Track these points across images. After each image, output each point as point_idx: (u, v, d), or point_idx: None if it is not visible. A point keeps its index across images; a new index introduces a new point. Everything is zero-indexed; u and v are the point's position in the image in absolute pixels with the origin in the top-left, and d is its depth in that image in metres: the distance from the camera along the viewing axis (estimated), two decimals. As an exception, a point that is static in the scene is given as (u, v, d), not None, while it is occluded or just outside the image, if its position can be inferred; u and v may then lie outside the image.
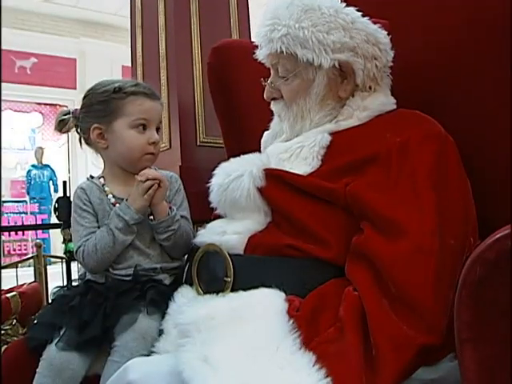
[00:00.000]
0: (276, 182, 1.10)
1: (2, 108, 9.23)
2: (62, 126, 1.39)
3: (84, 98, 1.37)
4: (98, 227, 1.31)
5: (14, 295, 2.09)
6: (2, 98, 8.95)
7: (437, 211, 0.94)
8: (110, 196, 1.34)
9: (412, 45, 1.25)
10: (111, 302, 1.19)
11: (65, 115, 1.39)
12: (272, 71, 1.25)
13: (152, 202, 1.28)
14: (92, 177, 1.42)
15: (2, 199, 9.04)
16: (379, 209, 0.96)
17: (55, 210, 2.86)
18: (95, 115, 1.33)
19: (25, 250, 8.67)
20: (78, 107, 1.40)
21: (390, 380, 0.80)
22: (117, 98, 1.31)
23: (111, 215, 1.28)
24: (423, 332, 0.83)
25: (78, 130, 1.39)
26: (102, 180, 1.38)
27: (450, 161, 1.03)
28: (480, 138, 1.15)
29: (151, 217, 1.31)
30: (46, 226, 6.27)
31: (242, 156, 1.22)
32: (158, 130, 1.37)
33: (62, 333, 1.18)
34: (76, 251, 1.30)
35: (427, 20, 1.27)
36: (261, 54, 1.26)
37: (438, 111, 1.14)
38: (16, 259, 8.38)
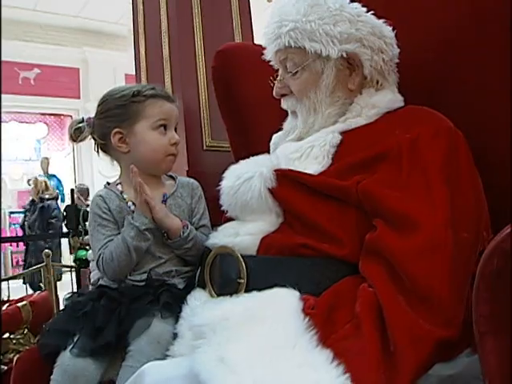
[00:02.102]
0: (287, 182, 1.10)
1: (7, 120, 9.29)
2: (77, 135, 1.39)
3: (100, 104, 1.37)
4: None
5: (25, 304, 2.10)
6: (7, 110, 9.02)
7: (449, 205, 0.94)
8: (130, 203, 1.33)
9: (415, 42, 1.25)
10: (125, 307, 1.19)
11: (79, 123, 1.39)
12: (280, 69, 1.26)
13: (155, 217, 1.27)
14: (109, 183, 1.42)
15: (10, 210, 9.08)
16: (391, 205, 0.96)
17: (63, 218, 2.87)
18: (115, 120, 1.33)
19: (33, 260, 8.69)
20: (86, 116, 1.40)
21: (409, 374, 0.79)
22: (136, 101, 1.32)
23: (125, 224, 1.27)
24: (440, 325, 0.83)
25: (95, 137, 1.39)
26: (119, 187, 1.38)
27: (460, 156, 1.02)
28: (487, 132, 1.15)
29: (165, 235, 1.31)
30: (54, 235, 6.28)
31: (251, 158, 1.21)
32: (175, 131, 1.38)
33: (75, 339, 1.17)
34: (97, 260, 1.30)
35: (430, 17, 1.27)
36: (269, 52, 1.27)
37: (444, 108, 1.14)
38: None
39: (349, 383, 0.77)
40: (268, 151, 1.37)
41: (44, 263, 3.44)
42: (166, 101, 1.34)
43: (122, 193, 1.36)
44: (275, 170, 1.12)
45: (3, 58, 8.56)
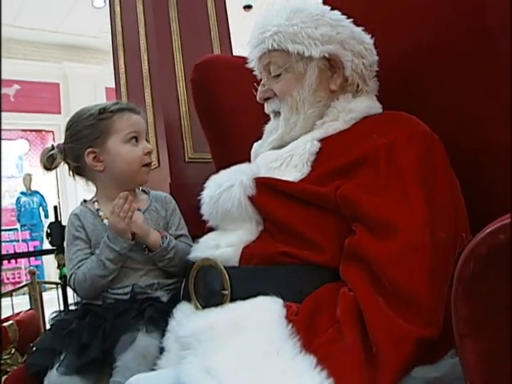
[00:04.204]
0: (267, 190, 1.11)
1: (-12, 137, 9.20)
2: (50, 162, 1.39)
3: (68, 128, 1.38)
4: (92, 253, 1.32)
5: (11, 324, 2.09)
6: (-13, 127, 8.94)
7: (426, 207, 0.95)
8: (106, 221, 1.33)
9: (391, 48, 1.27)
10: (110, 324, 1.19)
11: (50, 151, 1.39)
12: (263, 74, 1.28)
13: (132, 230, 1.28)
14: (85, 201, 1.42)
15: (-7, 228, 8.99)
16: (369, 210, 0.97)
17: (48, 235, 2.86)
18: (86, 140, 1.34)
19: (18, 278, 8.60)
20: (55, 142, 1.41)
21: (392, 375, 0.80)
22: (104, 118, 1.33)
23: (101, 246, 1.28)
24: (420, 325, 0.84)
25: (68, 161, 1.39)
26: (95, 204, 1.38)
27: (436, 158, 1.04)
28: (465, 135, 1.17)
29: (146, 249, 1.32)
30: (39, 253, 6.23)
31: (231, 167, 1.23)
32: (146, 142, 1.40)
33: (62, 357, 1.17)
34: (69, 279, 1.31)
35: (406, 21, 1.29)
36: (252, 59, 1.29)
37: (421, 111, 1.16)
38: (10, 288, 8.35)
39: None
40: (249, 161, 1.38)
41: (29, 281, 3.41)
42: (132, 113, 1.36)
43: (98, 210, 1.36)
44: (255, 178, 1.13)
45: (-18, 76, 8.51)
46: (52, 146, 1.41)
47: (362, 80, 1.23)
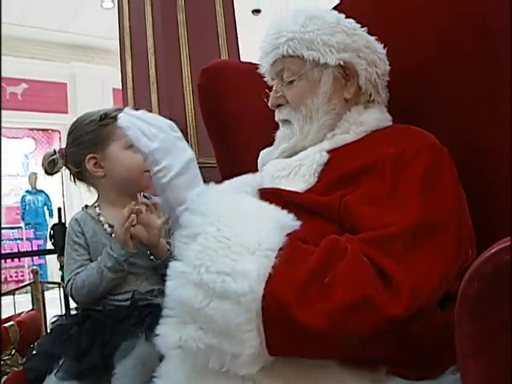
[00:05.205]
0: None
1: (-5, 135, 9.24)
2: (52, 167, 1.40)
3: (70, 133, 1.39)
4: (90, 260, 1.32)
5: (12, 325, 2.08)
6: (-6, 125, 8.98)
7: (421, 212, 0.92)
8: (106, 226, 1.34)
9: (391, 46, 1.26)
10: (109, 330, 1.19)
11: (52, 156, 1.40)
12: (276, 80, 1.26)
13: (134, 236, 1.28)
14: (87, 206, 1.42)
15: (-4, 226, 9.02)
16: (367, 222, 0.95)
17: (51, 237, 2.86)
18: (87, 146, 1.35)
19: (21, 276, 8.63)
20: (57, 147, 1.41)
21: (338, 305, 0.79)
22: (105, 124, 1.33)
23: (102, 253, 1.28)
24: (387, 301, 0.80)
25: (69, 166, 1.40)
26: (97, 209, 1.39)
27: (442, 170, 1.02)
28: (465, 134, 1.17)
29: (152, 257, 1.32)
30: (42, 252, 6.24)
31: (235, 178, 1.22)
32: None
33: (61, 362, 1.17)
34: (66, 284, 1.31)
35: (405, 20, 1.30)
36: (265, 64, 1.28)
37: (421, 111, 1.19)
38: (13, 286, 8.35)
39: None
40: (254, 168, 1.38)
41: (32, 280, 3.41)
42: None
43: (99, 215, 1.36)
44: (259, 189, 1.12)
45: (-10, 74, 8.55)
46: (54, 150, 1.41)
47: (375, 89, 1.22)
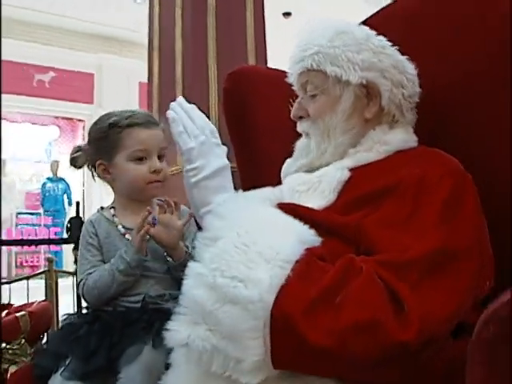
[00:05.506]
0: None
1: (20, 120, 9.36)
2: (74, 163, 1.42)
3: (89, 132, 1.40)
4: (103, 261, 1.33)
5: (24, 315, 2.10)
6: (21, 110, 9.10)
7: (441, 242, 0.90)
8: (120, 227, 1.35)
9: (421, 68, 1.24)
10: (117, 333, 1.19)
11: (76, 152, 1.41)
12: (300, 92, 1.25)
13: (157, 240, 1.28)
14: (102, 208, 1.43)
15: (17, 211, 9.12)
16: (384, 245, 0.92)
17: (67, 229, 2.88)
18: (98, 151, 1.36)
19: (37, 262, 8.74)
20: (83, 143, 1.43)
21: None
22: (113, 132, 1.32)
23: (116, 256, 1.28)
24: (397, 328, 0.78)
25: (89, 166, 1.41)
26: (112, 211, 1.40)
27: (465, 198, 1.00)
28: (493, 173, 1.14)
29: (169, 258, 1.31)
30: (57, 241, 6.30)
31: (253, 191, 1.20)
32: (161, 156, 1.36)
33: (67, 362, 1.17)
34: (78, 284, 1.32)
35: (439, 42, 1.28)
36: (292, 75, 1.27)
37: (450, 140, 1.16)
38: (28, 271, 8.48)
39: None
40: (274, 176, 1.37)
41: (47, 268, 3.44)
42: (143, 128, 1.33)
43: (113, 216, 1.37)
44: (278, 204, 1.11)
45: (18, 59, 8.66)
46: (79, 147, 1.42)
47: (399, 111, 1.19)
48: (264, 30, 2.35)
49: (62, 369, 1.16)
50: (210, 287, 0.84)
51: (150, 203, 1.38)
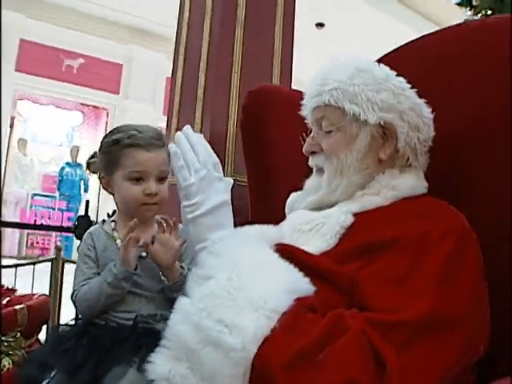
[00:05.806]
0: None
1: (45, 103, 9.45)
2: (89, 168, 1.44)
3: (100, 143, 1.40)
4: (98, 274, 1.32)
5: (22, 308, 2.10)
6: (47, 93, 9.19)
7: (434, 303, 0.88)
8: (119, 241, 1.34)
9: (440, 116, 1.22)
10: (105, 350, 1.18)
11: (91, 159, 1.43)
12: (314, 127, 1.24)
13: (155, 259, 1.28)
14: (104, 221, 1.43)
15: (33, 192, 9.21)
16: (375, 302, 0.91)
17: (75, 227, 2.89)
18: (101, 165, 1.37)
19: (48, 244, 8.81)
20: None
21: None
22: (115, 149, 1.32)
23: (106, 268, 1.28)
24: None
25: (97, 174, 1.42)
26: (112, 224, 1.39)
27: (465, 258, 0.96)
28: (500, 229, 1.12)
29: (164, 278, 1.30)
30: (66, 229, 6.34)
31: (254, 226, 1.17)
32: (163, 178, 1.35)
33: (52, 374, 1.17)
34: (71, 294, 1.32)
35: (452, 85, 1.27)
36: (306, 108, 1.26)
37: (459, 190, 1.17)
38: (37, 252, 8.55)
39: None
40: (282, 204, 1.35)
41: (54, 256, 3.44)
42: (144, 150, 1.31)
43: (113, 230, 1.37)
44: (276, 245, 1.09)
45: (50, 43, 8.74)
46: (95, 152, 1.43)
47: (414, 154, 1.17)
48: (292, 45, 2.33)
49: (47, 380, 1.16)
50: (194, 326, 0.84)
51: (150, 221, 1.37)
